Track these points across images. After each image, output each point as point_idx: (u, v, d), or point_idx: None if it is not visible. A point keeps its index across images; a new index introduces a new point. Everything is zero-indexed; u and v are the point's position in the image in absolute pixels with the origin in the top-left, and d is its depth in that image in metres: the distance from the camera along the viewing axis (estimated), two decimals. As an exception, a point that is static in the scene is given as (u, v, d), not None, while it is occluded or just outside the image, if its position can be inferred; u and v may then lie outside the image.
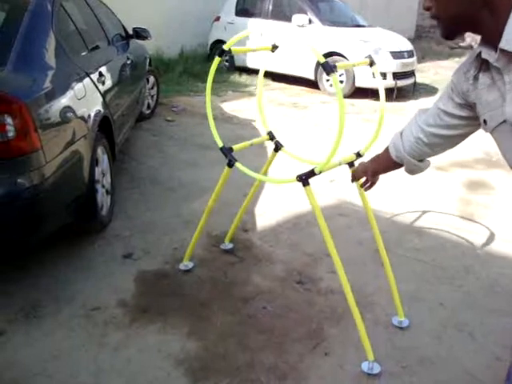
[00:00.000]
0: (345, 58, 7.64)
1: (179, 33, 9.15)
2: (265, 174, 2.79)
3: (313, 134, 5.51)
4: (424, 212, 3.64)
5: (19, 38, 2.44)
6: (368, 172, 1.84)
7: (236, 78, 8.74)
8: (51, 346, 2.16)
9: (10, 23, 2.59)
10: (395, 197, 3.84)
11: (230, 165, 2.36)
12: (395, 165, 1.65)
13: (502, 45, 1.02)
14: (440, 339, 2.30)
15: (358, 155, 2.27)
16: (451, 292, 2.67)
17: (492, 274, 2.84)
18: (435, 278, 2.80)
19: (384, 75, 7.51)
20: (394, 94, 7.54)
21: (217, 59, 2.23)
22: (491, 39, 1.06)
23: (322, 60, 1.79)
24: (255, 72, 8.69)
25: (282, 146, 2.65)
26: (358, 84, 7.62)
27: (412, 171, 1.63)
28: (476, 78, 1.18)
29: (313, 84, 8.10)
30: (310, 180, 2.04)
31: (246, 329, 2.32)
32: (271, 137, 2.67)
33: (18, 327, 2.27)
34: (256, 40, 8.43)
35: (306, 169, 2.06)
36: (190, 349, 2.18)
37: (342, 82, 7.78)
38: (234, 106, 6.75)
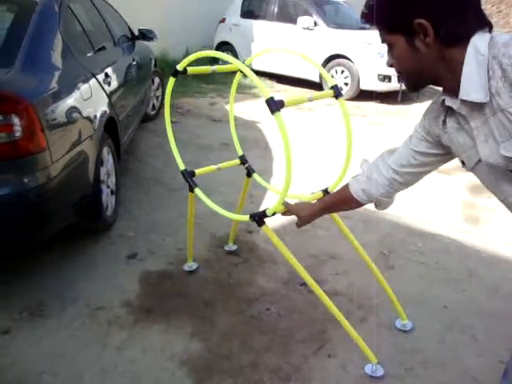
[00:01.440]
0: (350, 60, 7.66)
1: (184, 34, 9.17)
2: (241, 205, 2.78)
3: (317, 137, 5.52)
4: (428, 215, 3.64)
5: (27, 38, 2.46)
6: (311, 219, 1.87)
7: (241, 79, 8.75)
8: (56, 344, 2.18)
9: (18, 24, 2.61)
10: (399, 199, 3.82)
11: (191, 190, 2.28)
12: (354, 207, 1.72)
13: (461, 95, 1.12)
14: (443, 342, 2.30)
15: (326, 192, 2.15)
16: (455, 295, 2.67)
17: (496, 278, 2.83)
18: (439, 280, 2.80)
19: (389, 78, 7.51)
20: (399, 97, 7.55)
21: (172, 79, 2.16)
22: (451, 89, 1.16)
23: (267, 96, 1.62)
24: (260, 74, 8.71)
25: (253, 171, 2.60)
26: (363, 87, 7.62)
27: (382, 207, 1.70)
28: (444, 122, 1.27)
29: (317, 86, 8.11)
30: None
31: (250, 330, 2.33)
32: (243, 161, 2.59)
33: (23, 326, 2.28)
34: (262, 42, 8.46)
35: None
36: (193, 349, 2.18)
37: (346, 84, 7.80)
38: (239, 108, 6.75)
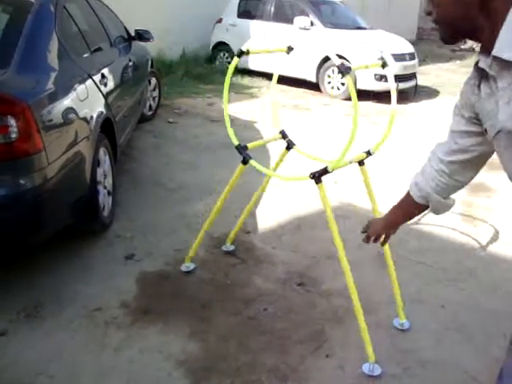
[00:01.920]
0: (346, 59, 7.64)
1: (181, 34, 9.16)
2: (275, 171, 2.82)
3: (315, 137, 5.51)
4: (426, 214, 3.63)
5: (22, 39, 2.45)
6: (384, 229, 1.80)
7: (238, 79, 8.75)
8: (53, 346, 2.17)
9: (14, 25, 2.60)
10: (397, 199, 3.84)
11: (245, 162, 2.40)
12: (416, 210, 1.62)
13: (495, 51, 1.04)
14: (441, 341, 2.30)
15: (369, 154, 2.34)
16: (453, 294, 2.67)
17: (494, 277, 2.84)
18: (437, 280, 2.80)
19: (385, 78, 7.52)
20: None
21: (235, 60, 2.27)
22: (488, 47, 1.07)
23: (338, 62, 1.87)
24: (257, 74, 8.70)
25: (294, 144, 2.68)
26: (360, 86, 7.62)
27: (438, 210, 1.57)
28: (479, 87, 1.19)
29: (314, 86, 8.11)
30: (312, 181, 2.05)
31: (247, 330, 2.33)
32: (284, 135, 2.70)
33: (20, 327, 2.27)
34: (259, 42, 8.43)
35: (312, 168, 2.07)
36: (190, 350, 2.18)
37: (343, 84, 7.80)
38: (236, 108, 6.74)
